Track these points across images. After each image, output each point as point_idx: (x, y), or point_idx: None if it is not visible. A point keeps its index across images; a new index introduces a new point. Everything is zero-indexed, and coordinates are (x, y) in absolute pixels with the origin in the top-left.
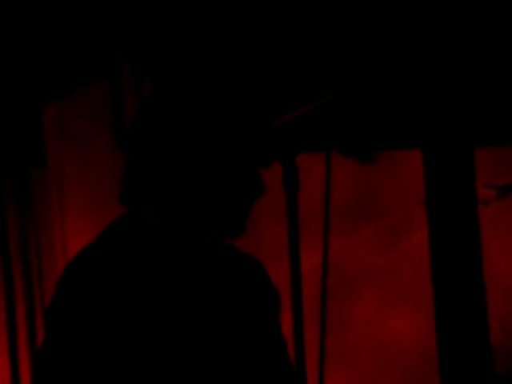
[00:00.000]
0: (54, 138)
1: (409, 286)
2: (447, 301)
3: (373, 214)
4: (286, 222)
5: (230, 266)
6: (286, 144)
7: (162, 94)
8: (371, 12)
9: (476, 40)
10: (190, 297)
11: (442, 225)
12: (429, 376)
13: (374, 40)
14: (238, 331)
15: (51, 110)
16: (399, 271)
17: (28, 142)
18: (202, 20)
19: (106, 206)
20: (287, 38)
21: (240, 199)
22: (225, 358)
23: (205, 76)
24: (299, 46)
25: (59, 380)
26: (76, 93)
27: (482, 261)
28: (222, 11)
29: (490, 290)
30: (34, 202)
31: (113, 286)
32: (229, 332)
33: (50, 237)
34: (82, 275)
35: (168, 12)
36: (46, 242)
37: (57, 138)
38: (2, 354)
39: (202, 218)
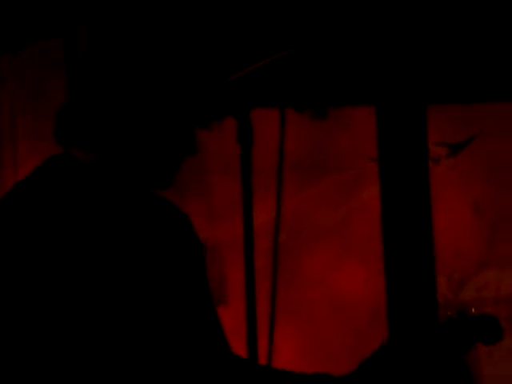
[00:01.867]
0: (7, 86)
1: (360, 241)
2: (397, 256)
3: (325, 170)
4: (240, 177)
5: (157, 214)
6: (241, 99)
7: (109, 38)
8: None
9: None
10: (114, 243)
11: (393, 181)
12: (377, 328)
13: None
14: (164, 279)
15: (6, 59)
16: (351, 227)
17: None
18: None
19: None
20: None
21: (170, 153)
22: (150, 308)
23: (155, 25)
24: (256, 1)
25: None
26: (32, 46)
27: (431, 217)
28: None
29: (439, 246)
30: None
31: (33, 232)
32: (153, 280)
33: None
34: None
35: None
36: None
37: (10, 86)
38: None
39: (131, 164)
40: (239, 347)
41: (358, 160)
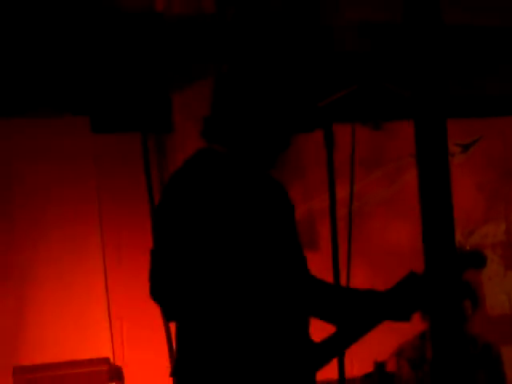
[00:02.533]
0: (180, 114)
1: (404, 208)
2: (429, 217)
3: (381, 163)
4: (326, 168)
5: (267, 184)
6: (327, 117)
7: (241, 67)
8: None
9: None
10: (241, 202)
11: (425, 169)
12: (419, 265)
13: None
14: (268, 225)
15: (179, 96)
16: (398, 199)
17: (163, 117)
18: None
19: None
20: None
21: (275, 149)
22: (261, 242)
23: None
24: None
25: (174, 266)
26: (195, 84)
27: (451, 193)
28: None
29: (456, 210)
30: (167, 160)
31: (198, 196)
32: (261, 225)
33: None
34: (176, 188)
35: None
36: None
37: (182, 113)
38: None
39: (250, 155)
40: (329, 277)
41: (403, 156)
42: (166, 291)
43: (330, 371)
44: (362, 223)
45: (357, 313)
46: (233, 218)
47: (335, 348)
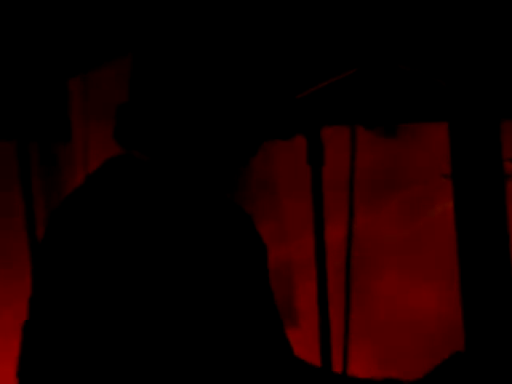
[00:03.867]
0: (79, 112)
1: (432, 258)
2: (473, 273)
3: (396, 187)
4: (310, 195)
5: (217, 213)
6: (311, 117)
7: (173, 41)
8: None
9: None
10: (175, 241)
11: (467, 197)
12: (452, 346)
13: (398, 13)
14: (223, 279)
15: (77, 84)
16: (423, 243)
17: (54, 116)
18: None
19: None
20: (312, 9)
21: (226, 161)
22: (209, 306)
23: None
24: (323, 17)
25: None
26: (101, 68)
27: (508, 233)
28: None
29: None
30: (60, 175)
31: (97, 229)
32: (213, 278)
33: None
34: (66, 219)
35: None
36: None
37: (82, 112)
38: None
39: (187, 167)
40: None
41: (430, 176)
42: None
43: None
44: (364, 281)
45: None
46: (160, 275)
47: None
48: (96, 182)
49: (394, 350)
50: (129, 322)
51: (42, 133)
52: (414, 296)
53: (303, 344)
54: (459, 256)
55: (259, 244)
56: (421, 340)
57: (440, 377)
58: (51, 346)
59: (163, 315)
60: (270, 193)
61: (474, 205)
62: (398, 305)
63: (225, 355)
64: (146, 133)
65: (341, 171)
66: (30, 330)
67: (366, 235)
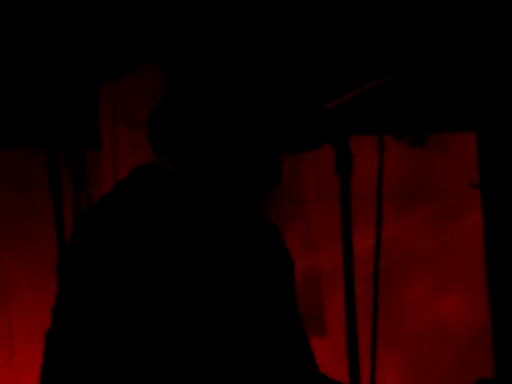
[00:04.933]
0: (107, 119)
1: (461, 269)
2: (501, 284)
3: (425, 197)
4: (338, 204)
5: (246, 225)
6: (339, 126)
7: (204, 56)
8: None
9: None
10: (201, 254)
11: (496, 209)
12: (482, 360)
13: (427, 23)
14: (249, 290)
15: (105, 92)
16: (451, 255)
17: (83, 123)
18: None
19: None
20: (341, 18)
21: (253, 174)
22: (237, 314)
23: (250, 49)
24: (353, 27)
25: (71, 336)
26: (129, 75)
27: None
28: None
29: None
30: (89, 181)
31: (123, 238)
32: (241, 288)
33: None
34: (93, 227)
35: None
36: None
37: (110, 119)
38: None
39: (214, 181)
40: (340, 379)
41: (458, 186)
42: None
43: None
44: (392, 291)
45: None
46: (184, 292)
47: None
48: (123, 192)
49: (423, 359)
50: (150, 332)
51: (72, 139)
52: (441, 306)
53: (331, 353)
54: (487, 266)
55: (287, 258)
56: (449, 349)
57: None
58: (74, 356)
59: (188, 326)
60: (298, 203)
61: (502, 215)
62: (426, 314)
63: (248, 368)
64: (176, 138)
65: (369, 181)
66: (52, 339)
67: (393, 245)
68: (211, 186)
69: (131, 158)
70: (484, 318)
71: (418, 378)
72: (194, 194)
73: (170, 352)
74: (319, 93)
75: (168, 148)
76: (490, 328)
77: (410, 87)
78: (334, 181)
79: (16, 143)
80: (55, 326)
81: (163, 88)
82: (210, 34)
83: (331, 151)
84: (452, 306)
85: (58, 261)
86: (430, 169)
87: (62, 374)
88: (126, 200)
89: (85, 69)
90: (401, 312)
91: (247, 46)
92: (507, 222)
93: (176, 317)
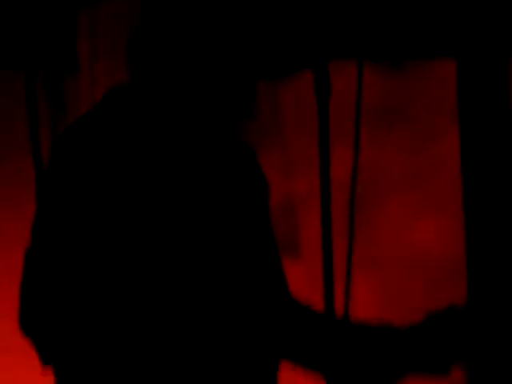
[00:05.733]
0: (86, 46)
1: (436, 193)
2: (478, 210)
3: (402, 122)
4: (317, 129)
5: (218, 147)
6: (319, 48)
7: None
8: None
9: None
10: (174, 171)
11: (473, 134)
12: (455, 283)
13: None
14: (221, 211)
15: (84, 19)
16: (427, 178)
17: (63, 48)
18: None
19: None
20: None
21: (224, 97)
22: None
23: None
24: None
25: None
26: (109, 3)
27: None
28: None
29: None
30: (66, 106)
31: (98, 156)
32: (211, 210)
33: None
34: (70, 147)
35: None
36: None
37: (89, 46)
38: None
39: (191, 99)
40: (314, 303)
41: (435, 111)
42: (43, 320)
43: None
44: (369, 215)
45: (362, 361)
46: (159, 202)
47: None
48: (99, 111)
49: (397, 285)
50: (126, 248)
51: (50, 63)
52: (419, 230)
53: (306, 278)
54: (464, 192)
55: (261, 180)
56: (423, 276)
57: (434, 328)
58: (53, 273)
59: (160, 245)
60: (276, 130)
61: (480, 139)
62: (404, 238)
63: (218, 287)
64: (153, 60)
65: (348, 108)
66: (31, 256)
67: (371, 169)
68: (183, 108)
69: (109, 83)
70: (459, 246)
71: (391, 304)
72: (166, 115)
73: (138, 265)
74: (296, 16)
75: (144, 70)
76: (464, 256)
77: (388, 11)
78: (313, 107)
79: None
80: (34, 243)
81: (141, 16)
82: None
83: (311, 80)
84: (427, 230)
85: (36, 179)
86: (409, 94)
87: (42, 289)
88: (100, 119)
89: None
90: (377, 237)
91: None
92: (484, 149)
93: (147, 230)
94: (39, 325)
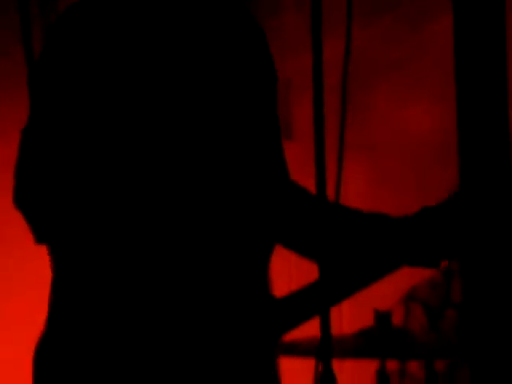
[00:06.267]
0: None
1: (427, 76)
2: (470, 92)
3: (393, 4)
4: (309, 12)
5: (230, 24)
6: None
7: None
8: None
9: None
10: (174, 31)
11: (467, 13)
12: (444, 165)
13: None
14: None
15: None
16: (421, 61)
17: None
18: None
19: None
20: None
21: None
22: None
23: None
24: None
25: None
26: None
27: (505, 53)
28: None
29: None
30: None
31: (105, 29)
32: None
33: None
34: (64, 28)
35: None
36: None
37: None
38: None
39: None
40: (306, 184)
41: None
42: (37, 194)
43: (309, 327)
44: (361, 97)
45: (355, 248)
46: (157, 65)
47: (312, 306)
48: None
49: (387, 169)
50: (124, 120)
51: None
52: (412, 112)
53: (300, 159)
54: (456, 77)
55: (270, 62)
56: (414, 158)
57: (428, 217)
58: (50, 150)
59: (160, 119)
60: (270, 10)
61: (474, 21)
62: (397, 121)
63: (219, 164)
64: None
65: None
66: (28, 134)
67: (363, 52)
68: None
69: None
70: (452, 131)
71: (381, 188)
72: None
73: (136, 142)
74: None
75: None
76: (455, 144)
77: None
78: None
79: None
80: (31, 122)
81: None
82: None
83: None
84: (418, 114)
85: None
86: None
87: (38, 165)
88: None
89: None
90: (368, 121)
91: None
92: (478, 28)
93: (145, 98)
94: (34, 201)
